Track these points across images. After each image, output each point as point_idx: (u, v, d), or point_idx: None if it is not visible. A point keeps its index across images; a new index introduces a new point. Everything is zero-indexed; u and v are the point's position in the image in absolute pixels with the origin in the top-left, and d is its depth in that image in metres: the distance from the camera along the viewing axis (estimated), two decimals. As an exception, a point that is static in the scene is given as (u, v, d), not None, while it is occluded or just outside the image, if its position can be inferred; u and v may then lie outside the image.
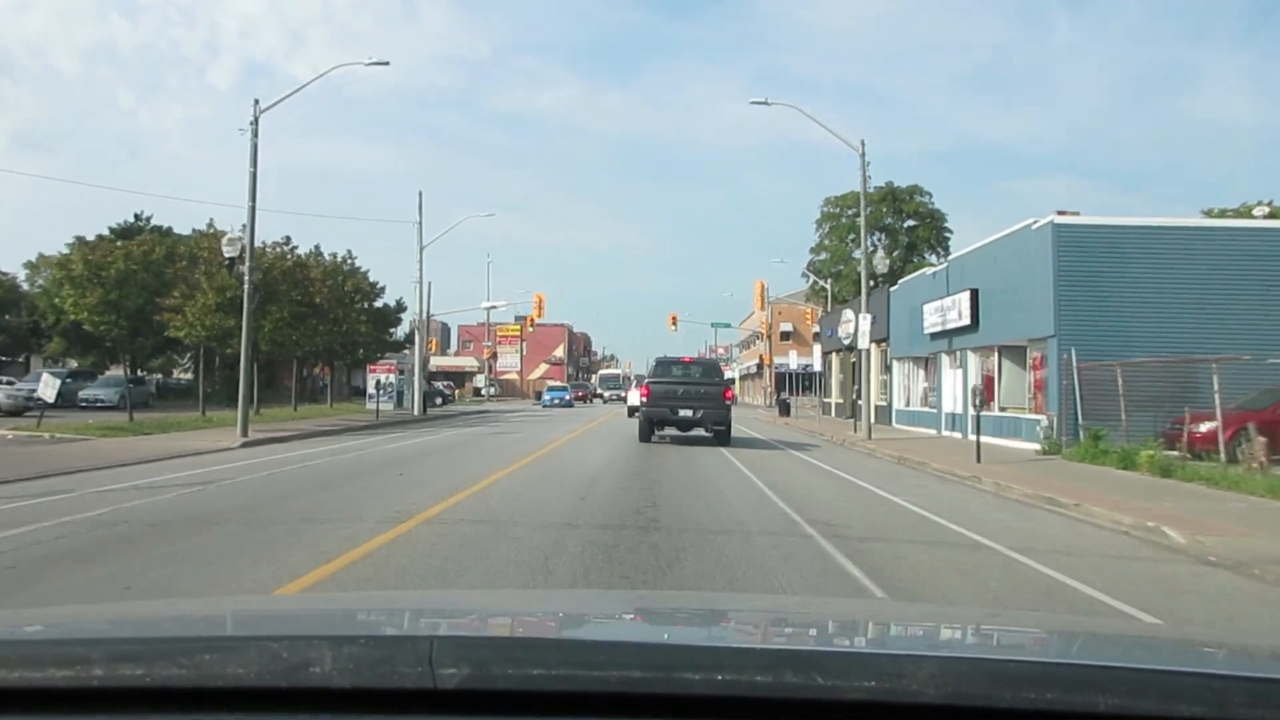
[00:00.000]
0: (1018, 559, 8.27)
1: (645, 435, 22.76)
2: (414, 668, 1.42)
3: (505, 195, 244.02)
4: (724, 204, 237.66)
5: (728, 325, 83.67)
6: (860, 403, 39.46)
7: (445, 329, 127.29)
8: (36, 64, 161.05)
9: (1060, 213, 21.84)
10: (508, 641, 1.89)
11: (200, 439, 23.11)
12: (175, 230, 47.85)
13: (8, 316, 58.96)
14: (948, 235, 67.71)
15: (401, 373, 44.84)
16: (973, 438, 26.53)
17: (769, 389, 78.91)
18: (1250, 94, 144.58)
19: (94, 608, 4.00)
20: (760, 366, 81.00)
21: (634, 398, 42.76)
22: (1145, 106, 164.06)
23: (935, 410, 30.40)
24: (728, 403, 23.69)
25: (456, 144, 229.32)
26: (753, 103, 27.28)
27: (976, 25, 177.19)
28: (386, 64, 24.51)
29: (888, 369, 35.99)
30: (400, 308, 50.54)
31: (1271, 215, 33.97)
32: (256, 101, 23.76)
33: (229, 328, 28.28)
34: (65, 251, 33.83)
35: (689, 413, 22.59)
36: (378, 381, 36.74)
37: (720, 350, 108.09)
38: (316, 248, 42.24)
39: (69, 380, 45.50)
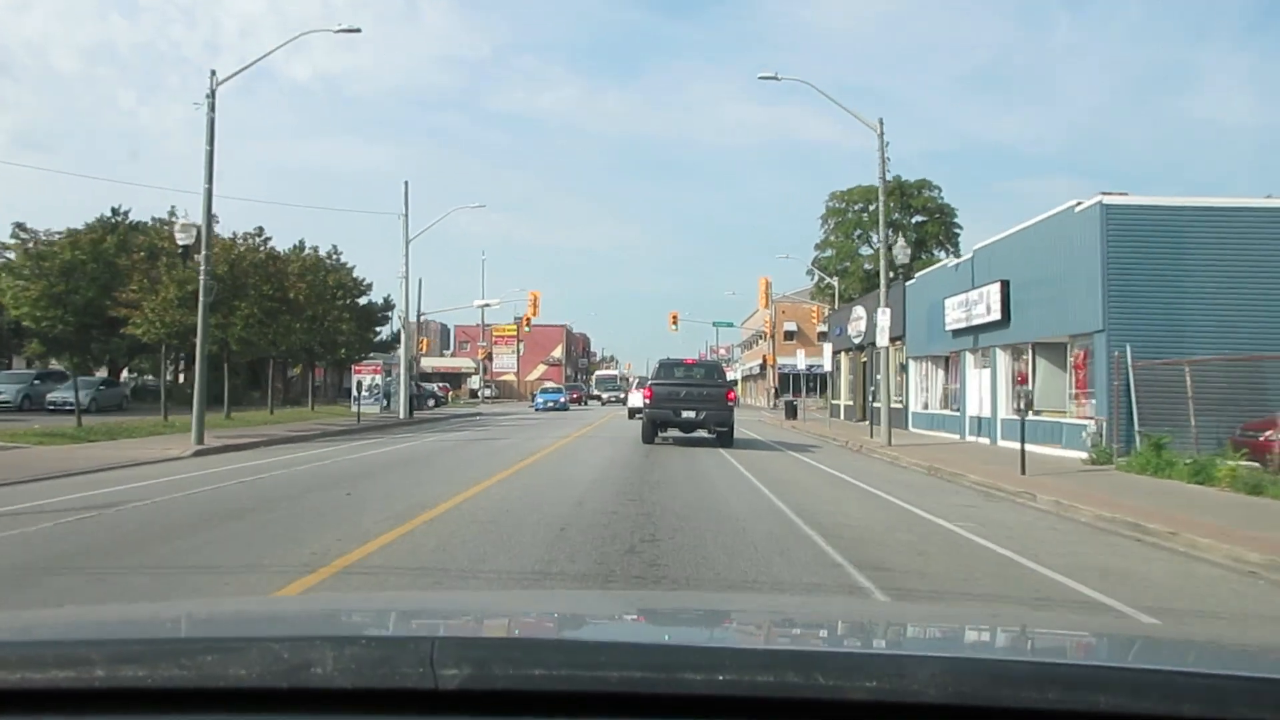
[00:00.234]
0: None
1: (649, 436, 22.83)
2: (415, 668, 1.41)
3: (505, 195, 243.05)
4: (724, 204, 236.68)
5: (730, 324, 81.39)
6: (877, 405, 37.20)
7: (445, 330, 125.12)
8: (36, 64, 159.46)
9: (1105, 193, 19.53)
10: (508, 642, 1.88)
11: (149, 447, 20.83)
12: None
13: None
14: (957, 231, 65.46)
15: (389, 373, 42.59)
16: (1004, 444, 24.32)
17: (772, 390, 76.53)
18: (1250, 94, 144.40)
19: (96, 608, 3.87)
20: (763, 367, 78.60)
21: (634, 399, 42.92)
22: (1145, 106, 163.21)
23: (958, 413, 28.09)
24: (730, 404, 23.61)
25: (456, 144, 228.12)
26: (761, 77, 25.03)
27: (976, 25, 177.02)
28: (358, 30, 22.31)
29: (903, 369, 33.68)
30: (388, 305, 48.21)
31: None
32: (213, 73, 21.53)
33: (192, 324, 25.92)
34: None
35: (692, 414, 22.50)
36: (358, 383, 34.39)
37: (721, 351, 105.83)
38: (301, 242, 40.09)
39: (37, 382, 43.27)
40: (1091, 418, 19.18)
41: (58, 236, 29.19)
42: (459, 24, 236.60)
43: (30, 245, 24.51)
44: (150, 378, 58.54)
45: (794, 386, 79.56)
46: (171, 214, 30.91)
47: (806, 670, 1.45)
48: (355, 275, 43.13)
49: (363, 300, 45.41)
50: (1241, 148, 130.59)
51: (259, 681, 1.43)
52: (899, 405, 33.95)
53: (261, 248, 30.78)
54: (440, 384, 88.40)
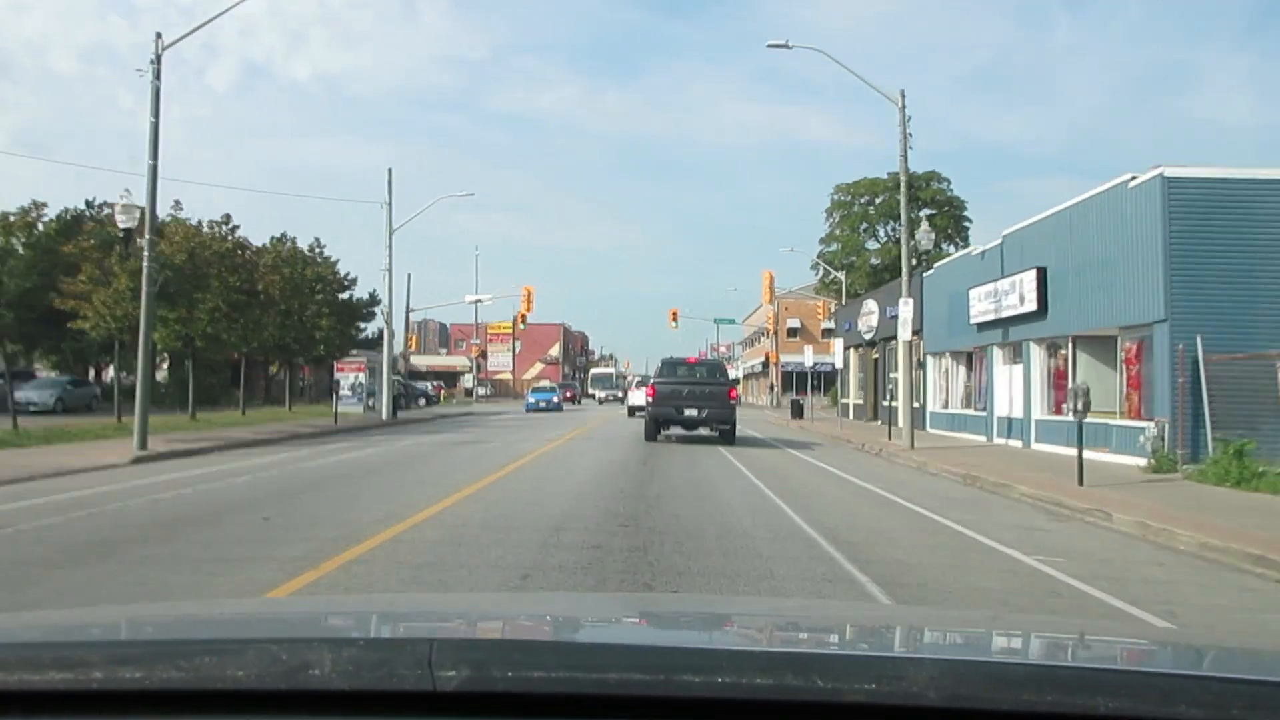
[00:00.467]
0: None
1: (651, 434, 22.88)
2: (413, 670, 1.40)
3: (505, 195, 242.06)
4: (724, 204, 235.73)
5: (731, 321, 79.11)
6: (890, 404, 34.87)
7: (443, 328, 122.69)
8: (35, 64, 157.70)
9: (1155, 166, 17.21)
10: (507, 644, 1.86)
11: (88, 453, 18.56)
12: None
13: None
14: (967, 224, 63.24)
15: (373, 372, 40.26)
16: (1039, 448, 22.05)
17: (775, 388, 74.20)
18: (1250, 94, 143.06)
19: (94, 610, 3.77)
20: (766, 364, 76.23)
21: (634, 398, 42.72)
22: (1145, 106, 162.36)
23: (984, 413, 25.79)
24: (732, 402, 23.57)
25: (456, 144, 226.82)
26: (770, 45, 22.71)
27: (976, 25, 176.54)
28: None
29: (920, 366, 31.35)
30: (373, 301, 45.80)
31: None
32: (159, 35, 19.22)
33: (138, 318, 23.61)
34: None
35: (694, 412, 22.47)
36: (337, 382, 32.10)
37: (722, 349, 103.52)
38: (283, 235, 37.78)
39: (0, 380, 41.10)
40: (1150, 419, 16.88)
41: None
42: (459, 24, 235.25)
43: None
44: (132, 376, 56.59)
45: (797, 384, 77.22)
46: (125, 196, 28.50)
47: (805, 672, 1.43)
48: (339, 269, 40.77)
49: (348, 296, 43.03)
50: (1241, 148, 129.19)
51: (257, 683, 1.41)
52: (915, 404, 31.65)
53: (229, 236, 28.39)
54: (435, 383, 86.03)
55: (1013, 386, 23.84)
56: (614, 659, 1.56)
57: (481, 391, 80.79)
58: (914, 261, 23.25)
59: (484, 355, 77.45)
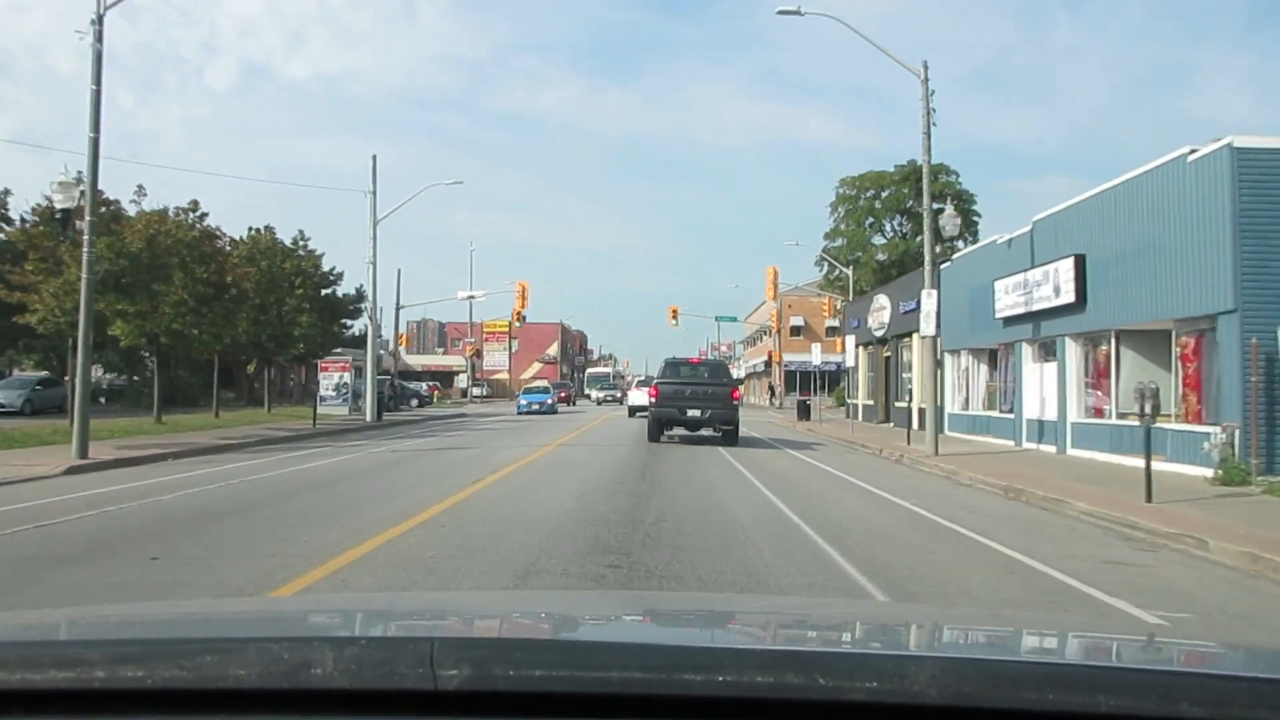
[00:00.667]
0: None
1: (654, 435, 22.75)
2: (415, 669, 1.39)
3: (505, 195, 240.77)
4: (724, 204, 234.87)
5: (733, 319, 77.06)
6: (902, 405, 32.85)
7: (441, 327, 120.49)
8: (35, 64, 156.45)
9: (1217, 138, 15.21)
10: (509, 643, 1.85)
11: (19, 461, 16.64)
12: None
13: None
14: (976, 219, 61.25)
15: (359, 372, 38.26)
16: (1076, 453, 20.06)
17: (779, 388, 72.16)
18: (1250, 94, 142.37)
19: (95, 609, 3.58)
20: (769, 363, 74.20)
21: (635, 397, 42.02)
22: (1145, 106, 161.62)
23: (1011, 415, 23.80)
24: (735, 403, 23.38)
25: (456, 144, 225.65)
26: (780, 12, 20.72)
27: (977, 25, 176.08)
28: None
29: (937, 364, 29.30)
30: (360, 297, 43.82)
31: None
32: (101, -8, 17.20)
33: (98, 313, 21.64)
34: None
35: (697, 413, 22.34)
36: (317, 381, 30.10)
37: (723, 348, 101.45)
38: (266, 228, 35.80)
39: (-37, 382, 39.14)
40: (1214, 424, 14.88)
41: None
42: (458, 24, 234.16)
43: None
44: (120, 377, 54.26)
45: (800, 384, 75.15)
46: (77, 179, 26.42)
47: (806, 671, 1.43)
48: (325, 264, 38.82)
49: (331, 291, 41.05)
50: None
51: (258, 682, 1.41)
52: (910, 404, 29.65)
53: (196, 224, 26.36)
54: (431, 383, 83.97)
55: (1044, 386, 21.86)
56: (615, 657, 1.55)
57: (477, 392, 78.74)
58: (938, 249, 21.30)
59: (479, 354, 75.32)
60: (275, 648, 1.48)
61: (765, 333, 77.62)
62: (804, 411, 39.91)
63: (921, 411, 31.61)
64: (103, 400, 49.01)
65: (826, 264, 63.05)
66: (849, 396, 44.39)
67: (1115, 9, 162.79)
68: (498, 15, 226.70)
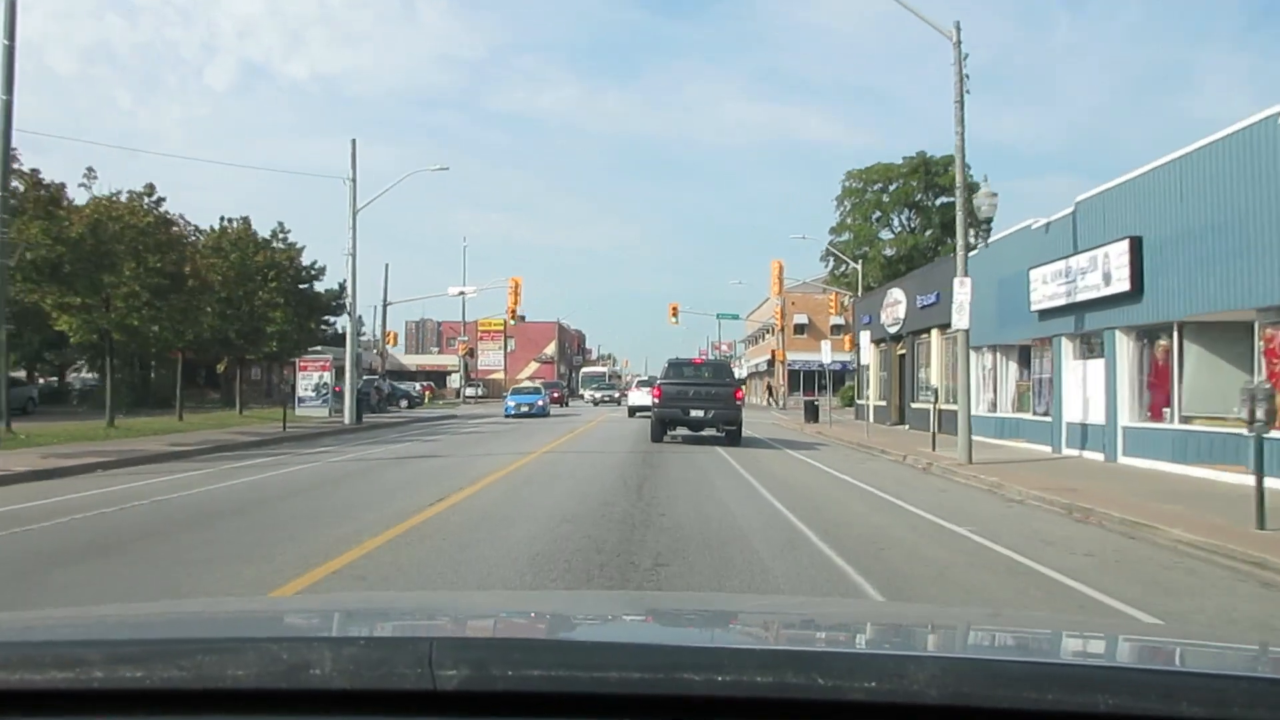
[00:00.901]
0: None
1: (657, 435, 22.65)
2: (413, 669, 1.39)
3: (505, 195, 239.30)
4: (724, 204, 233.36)
5: (735, 317, 74.73)
6: (918, 406, 30.55)
7: (439, 326, 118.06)
8: (34, 64, 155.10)
9: None
10: (507, 643, 1.84)
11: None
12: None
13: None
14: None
15: (341, 371, 35.89)
16: (1128, 461, 17.71)
17: (782, 388, 69.84)
18: (1249, 93, 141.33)
19: (94, 610, 3.55)
20: (772, 363, 71.83)
21: (635, 397, 41.55)
22: (1145, 106, 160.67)
23: (1047, 419, 21.50)
24: (738, 403, 23.19)
25: (456, 144, 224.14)
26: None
27: (976, 25, 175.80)
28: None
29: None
30: (344, 292, 41.47)
31: None
32: (15, -64, 14.92)
33: (29, 305, 19.38)
34: None
35: (700, 413, 22.27)
36: (294, 382, 27.78)
37: (724, 347, 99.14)
38: (245, 219, 33.49)
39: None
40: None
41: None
42: (458, 24, 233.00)
43: None
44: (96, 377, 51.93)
45: (804, 384, 72.80)
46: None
47: (806, 671, 1.42)
48: (305, 258, 36.48)
49: (308, 286, 38.69)
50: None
51: (257, 682, 1.41)
52: (951, 407, 27.36)
53: (151, 210, 24.02)
54: (425, 383, 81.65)
55: (1088, 386, 19.57)
56: (614, 658, 1.54)
57: (472, 392, 76.39)
58: (972, 234, 18.94)
59: (471, 353, 72.92)
60: (274, 648, 1.49)
61: (768, 331, 75.30)
62: (812, 413, 37.64)
63: (942, 414, 29.36)
64: (74, 401, 46.89)
65: (832, 260, 60.71)
66: (859, 397, 42.10)
67: (1115, 9, 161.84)
68: (497, 15, 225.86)
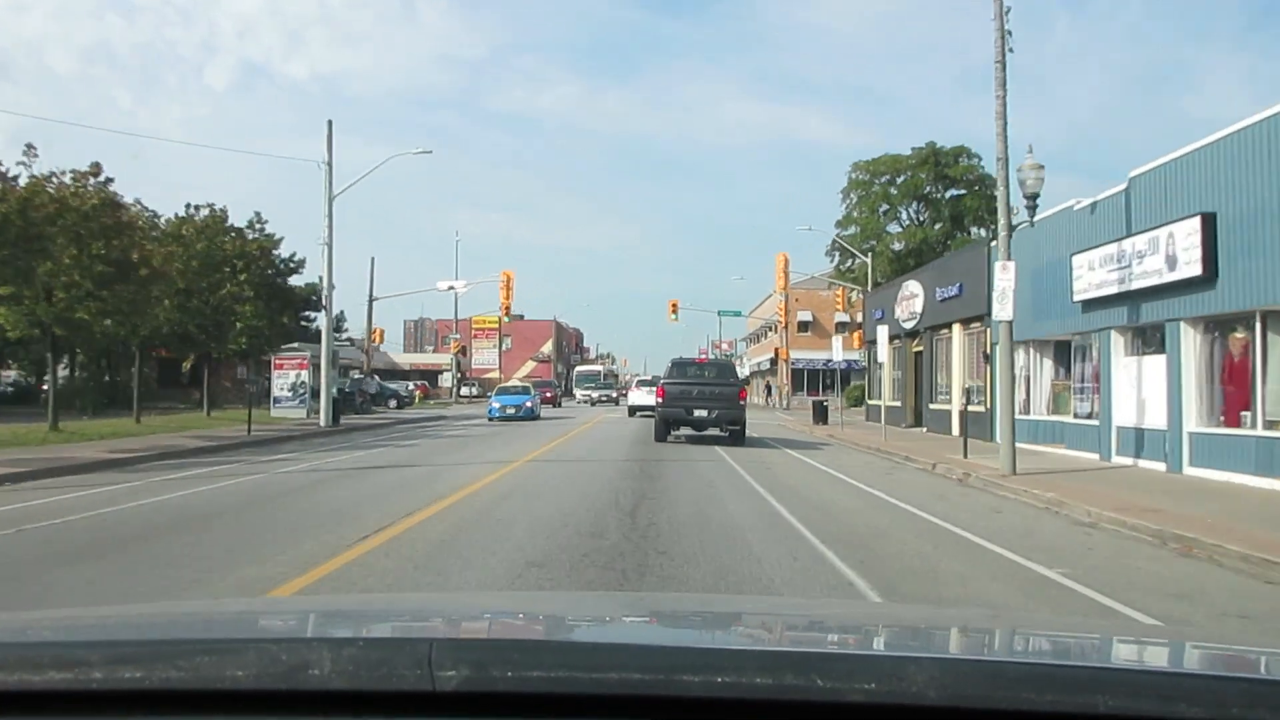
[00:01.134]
0: None
1: (661, 435, 22.52)
2: (413, 670, 1.39)
3: (505, 195, 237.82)
4: (724, 204, 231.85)
5: (737, 314, 72.42)
6: (937, 407, 28.27)
7: (437, 325, 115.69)
8: (33, 64, 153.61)
9: None
10: (507, 644, 1.82)
11: None
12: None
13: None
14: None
15: (319, 369, 33.54)
16: (1195, 472, 15.26)
17: (785, 387, 67.56)
18: (1249, 93, 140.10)
19: (93, 610, 3.62)
20: (775, 361, 69.53)
21: (635, 397, 40.77)
22: (1145, 106, 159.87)
23: (1093, 422, 19.22)
24: (742, 403, 22.90)
25: (456, 144, 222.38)
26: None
27: (976, 25, 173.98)
28: None
29: (987, 358, 24.78)
30: (330, 287, 39.09)
31: None
32: None
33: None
34: None
35: (704, 413, 22.11)
36: (265, 381, 25.56)
37: (724, 346, 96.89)
38: (223, 209, 31.21)
39: None
40: None
41: None
42: (458, 23, 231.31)
43: None
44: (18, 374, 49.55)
45: (808, 383, 70.53)
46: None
47: (805, 672, 1.42)
48: (280, 248, 34.19)
49: (297, 281, 36.47)
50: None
51: (256, 683, 1.40)
52: (979, 408, 25.08)
53: (98, 192, 21.69)
54: (419, 382, 79.38)
55: (1143, 385, 17.31)
56: (613, 658, 1.54)
57: (467, 391, 74.07)
58: (1013, 211, 16.49)
59: (464, 351, 70.57)
60: (273, 649, 1.49)
61: (771, 328, 73.02)
62: (820, 414, 35.32)
63: (964, 415, 27.05)
64: (43, 402, 44.60)
65: (838, 255, 58.44)
66: (870, 397, 39.80)
67: (1115, 9, 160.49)
68: (497, 15, 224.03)
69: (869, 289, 45.00)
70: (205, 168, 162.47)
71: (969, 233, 55.01)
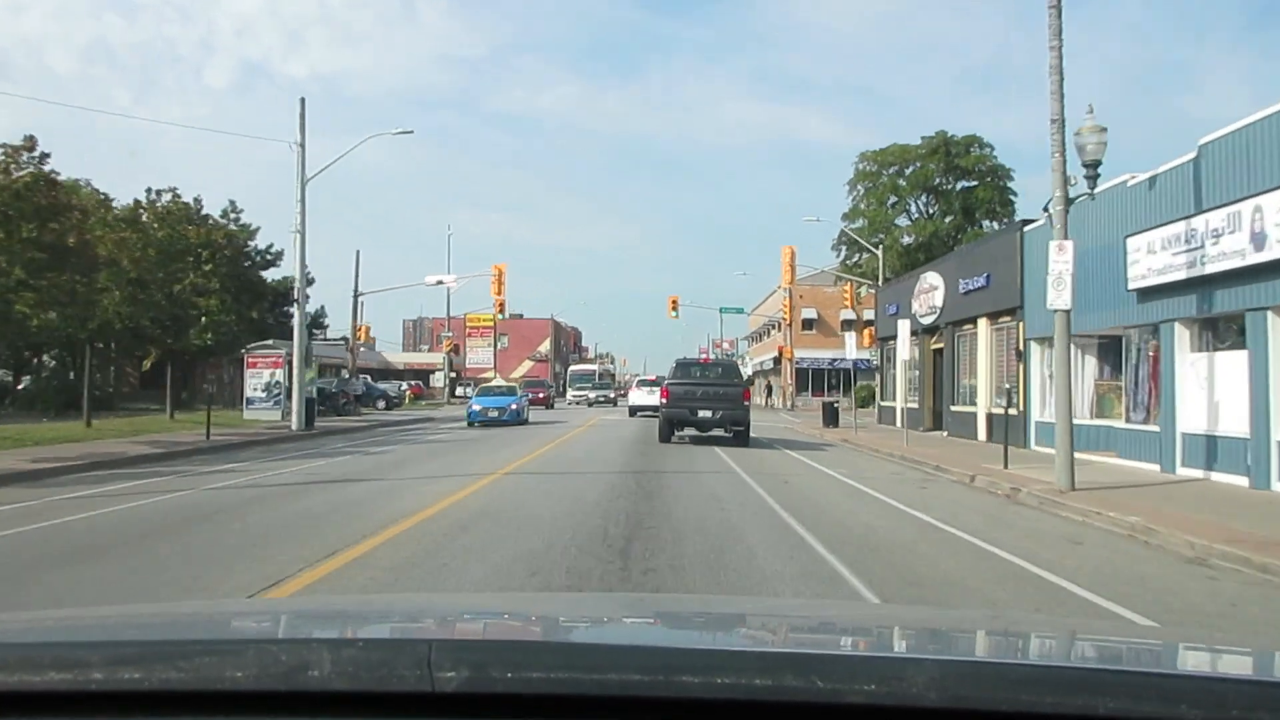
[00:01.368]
0: None
1: (665, 436, 22.41)
2: (412, 671, 1.38)
3: (505, 195, 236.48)
4: (724, 204, 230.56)
5: (740, 310, 70.15)
6: (959, 409, 25.98)
7: (433, 325, 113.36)
8: (33, 64, 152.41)
9: None
10: (506, 645, 1.80)
11: None
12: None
13: None
14: (1012, 197, 54.46)
15: (308, 369, 31.19)
16: (1291, 489, 13.22)
17: (789, 387, 65.27)
18: (1249, 92, 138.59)
19: (93, 611, 3.58)
20: (778, 361, 67.24)
21: (635, 397, 39.89)
22: (1145, 106, 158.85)
23: (1151, 428, 16.94)
24: (746, 404, 22.82)
25: (456, 144, 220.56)
26: None
27: (976, 24, 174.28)
28: None
29: (1019, 356, 22.49)
30: (309, 280, 36.78)
31: None
32: None
33: None
34: None
35: (708, 414, 21.97)
36: (210, 381, 23.22)
37: (725, 345, 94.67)
38: (196, 199, 28.95)
39: None
40: None
41: None
42: (458, 23, 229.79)
43: None
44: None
45: (813, 383, 68.18)
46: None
47: (805, 673, 1.41)
48: (254, 238, 31.95)
49: (272, 275, 34.22)
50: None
51: (256, 684, 1.40)
52: (1006, 410, 22.77)
53: (31, 168, 19.38)
54: (413, 382, 77.14)
55: (1216, 386, 15.03)
56: (613, 659, 1.53)
57: (462, 392, 71.70)
58: (1074, 182, 14.11)
59: (457, 350, 68.21)
60: (273, 649, 1.49)
61: (774, 326, 70.73)
62: (831, 416, 33.03)
63: (990, 419, 24.78)
64: (7, 403, 42.31)
65: (844, 249, 56.20)
66: (882, 398, 37.50)
67: (1114, 8, 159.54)
68: (497, 15, 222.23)
69: (880, 283, 42.69)
70: (205, 167, 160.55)
71: (981, 226, 52.80)
